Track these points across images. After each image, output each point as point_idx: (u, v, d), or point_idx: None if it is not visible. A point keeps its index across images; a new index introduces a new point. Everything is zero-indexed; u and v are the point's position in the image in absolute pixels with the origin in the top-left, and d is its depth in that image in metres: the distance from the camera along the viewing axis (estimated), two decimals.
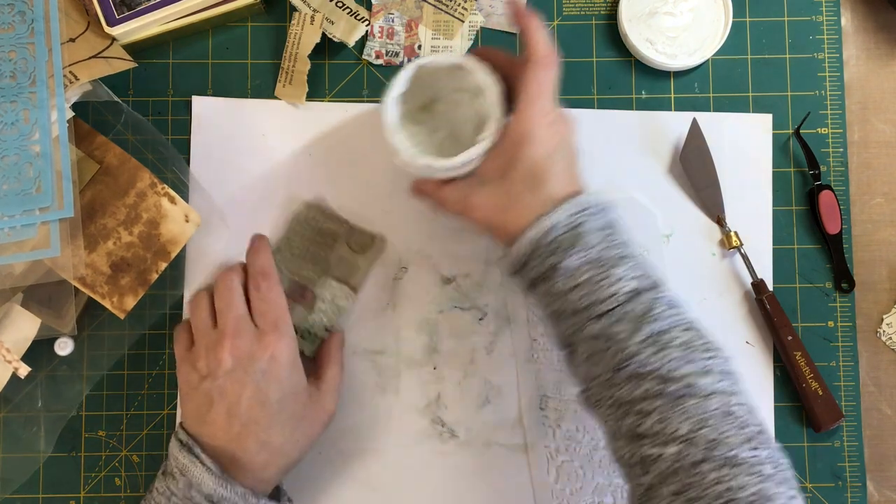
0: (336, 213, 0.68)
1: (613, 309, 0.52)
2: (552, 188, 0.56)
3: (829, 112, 0.71)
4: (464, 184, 0.59)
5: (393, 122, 0.60)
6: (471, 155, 0.58)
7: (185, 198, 0.66)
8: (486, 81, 0.59)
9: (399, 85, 0.60)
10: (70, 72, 0.61)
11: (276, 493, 0.60)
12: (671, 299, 0.53)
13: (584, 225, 0.54)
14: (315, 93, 0.71)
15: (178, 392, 0.61)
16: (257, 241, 0.61)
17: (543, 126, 0.56)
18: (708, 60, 0.71)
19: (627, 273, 0.53)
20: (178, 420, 0.67)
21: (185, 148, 0.69)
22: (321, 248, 0.67)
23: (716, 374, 0.51)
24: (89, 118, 0.66)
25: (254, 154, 0.69)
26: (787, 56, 0.71)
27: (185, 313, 0.68)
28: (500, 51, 0.63)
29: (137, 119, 0.66)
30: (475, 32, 0.71)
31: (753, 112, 0.71)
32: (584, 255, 0.53)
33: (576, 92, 0.71)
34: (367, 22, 0.70)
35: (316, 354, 0.64)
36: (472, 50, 0.66)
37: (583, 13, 0.72)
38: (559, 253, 0.54)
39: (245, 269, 0.60)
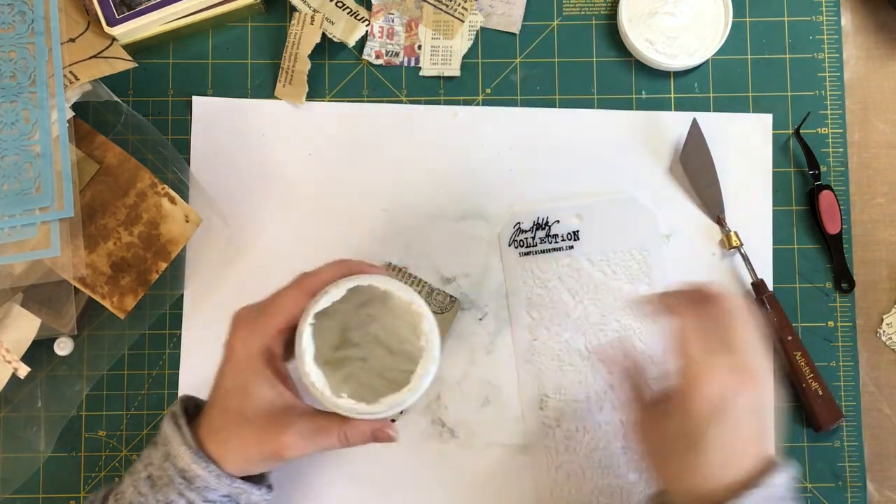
0: (415, 275, 0.67)
1: None
2: (743, 467, 0.51)
3: (829, 112, 0.71)
4: (658, 440, 0.54)
5: (310, 360, 0.49)
6: (401, 402, 0.47)
7: (185, 198, 0.66)
8: (411, 301, 0.47)
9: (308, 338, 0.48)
10: (70, 72, 0.61)
11: (260, 479, 0.56)
12: None
13: None
14: (315, 93, 0.71)
15: None
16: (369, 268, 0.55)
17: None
18: (708, 60, 0.71)
19: None
20: None
21: (185, 148, 0.69)
22: None
23: None
24: (89, 118, 0.66)
25: (254, 154, 0.70)
26: (787, 56, 0.71)
27: (186, 313, 0.68)
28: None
29: (137, 119, 0.66)
30: (475, 32, 0.71)
31: (753, 112, 0.71)
32: None
33: (576, 92, 0.71)
34: (367, 22, 0.70)
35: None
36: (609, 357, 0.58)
37: (583, 13, 0.72)
38: None
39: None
